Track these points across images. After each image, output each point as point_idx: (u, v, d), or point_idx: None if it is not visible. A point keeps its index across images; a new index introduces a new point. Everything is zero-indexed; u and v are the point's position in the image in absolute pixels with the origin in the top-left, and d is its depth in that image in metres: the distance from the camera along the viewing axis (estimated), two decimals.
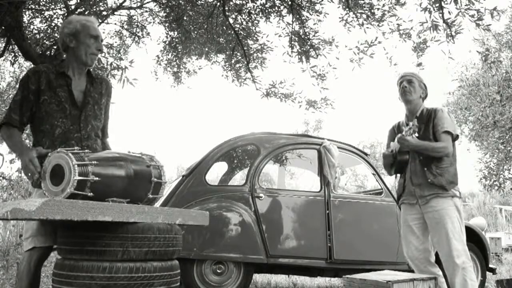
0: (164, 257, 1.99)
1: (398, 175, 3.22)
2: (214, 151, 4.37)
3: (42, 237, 2.18)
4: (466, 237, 2.92)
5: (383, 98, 50.10)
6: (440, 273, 2.95)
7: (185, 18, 7.06)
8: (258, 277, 5.83)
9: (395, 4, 6.18)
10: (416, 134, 2.90)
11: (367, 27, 6.46)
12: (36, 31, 7.07)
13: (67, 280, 1.86)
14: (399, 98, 3.16)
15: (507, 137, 11.78)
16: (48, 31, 6.96)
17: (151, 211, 1.96)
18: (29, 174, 2.01)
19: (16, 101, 2.28)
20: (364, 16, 6.43)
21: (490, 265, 4.70)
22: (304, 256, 4.20)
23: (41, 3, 6.99)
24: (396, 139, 2.98)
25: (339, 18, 6.69)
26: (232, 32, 6.98)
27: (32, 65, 6.16)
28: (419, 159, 3.01)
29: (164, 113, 51.87)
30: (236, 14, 7.10)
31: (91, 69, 2.47)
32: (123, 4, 7.16)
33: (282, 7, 6.90)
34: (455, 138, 3.01)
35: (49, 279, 4.49)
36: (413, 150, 3.00)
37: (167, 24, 7.53)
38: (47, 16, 7.05)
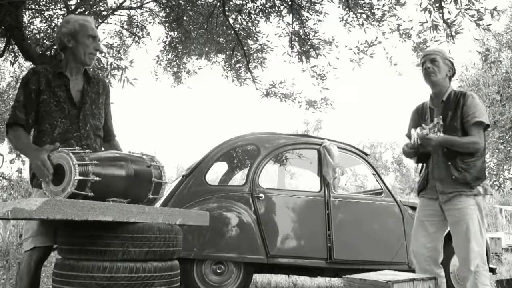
0: (164, 257, 1.99)
1: (421, 165, 2.93)
2: (214, 151, 4.37)
3: (42, 237, 2.17)
4: None
5: (383, 98, 50.11)
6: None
7: (185, 18, 7.07)
8: (258, 277, 5.83)
9: (395, 4, 6.19)
10: (441, 133, 2.60)
11: (367, 27, 6.47)
12: (36, 31, 7.08)
13: (67, 280, 1.85)
14: (424, 80, 2.80)
15: (507, 137, 11.78)
16: (48, 31, 6.96)
17: (151, 211, 1.96)
18: (43, 177, 1.96)
19: (20, 101, 2.27)
20: (364, 16, 6.44)
21: (490, 265, 4.69)
22: (304, 256, 4.20)
23: (41, 3, 7.00)
24: (416, 137, 2.68)
25: (339, 18, 6.71)
26: (232, 32, 6.99)
27: (32, 65, 6.16)
28: (442, 151, 2.70)
29: (164, 113, 51.99)
30: (236, 14, 7.11)
31: (89, 69, 2.47)
32: (123, 4, 7.17)
33: (282, 7, 6.90)
34: (485, 128, 2.69)
35: (49, 279, 4.49)
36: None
37: (167, 24, 7.54)
38: (47, 16, 7.05)
